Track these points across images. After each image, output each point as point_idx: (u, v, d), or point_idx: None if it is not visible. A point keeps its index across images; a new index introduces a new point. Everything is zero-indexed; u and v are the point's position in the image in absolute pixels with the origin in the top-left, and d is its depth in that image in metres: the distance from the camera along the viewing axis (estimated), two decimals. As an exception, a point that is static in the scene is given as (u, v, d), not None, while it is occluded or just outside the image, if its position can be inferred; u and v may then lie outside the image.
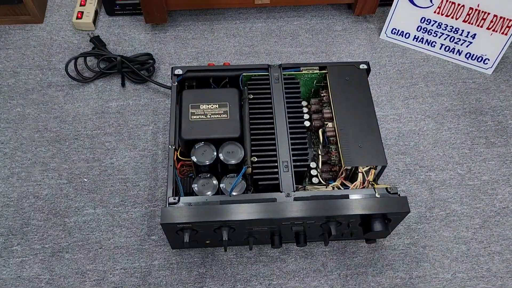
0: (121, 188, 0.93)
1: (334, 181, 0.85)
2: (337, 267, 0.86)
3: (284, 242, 0.87)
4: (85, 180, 0.92)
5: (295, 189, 0.77)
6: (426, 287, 0.84)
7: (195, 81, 0.92)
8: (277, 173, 0.79)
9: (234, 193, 0.79)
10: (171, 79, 0.89)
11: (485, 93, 1.08)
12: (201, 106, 0.87)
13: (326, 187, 0.82)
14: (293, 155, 0.81)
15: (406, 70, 1.11)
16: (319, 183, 0.83)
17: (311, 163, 0.87)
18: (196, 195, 0.80)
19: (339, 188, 0.81)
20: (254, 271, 0.85)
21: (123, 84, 1.05)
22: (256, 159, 0.80)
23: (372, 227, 0.76)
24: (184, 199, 0.76)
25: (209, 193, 0.79)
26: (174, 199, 0.75)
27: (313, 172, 0.84)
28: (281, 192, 0.77)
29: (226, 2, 1.10)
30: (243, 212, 0.73)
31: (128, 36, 1.14)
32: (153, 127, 1.01)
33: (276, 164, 0.80)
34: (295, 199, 0.76)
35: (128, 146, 0.98)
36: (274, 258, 0.87)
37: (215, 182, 0.80)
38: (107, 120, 1.01)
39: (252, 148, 0.82)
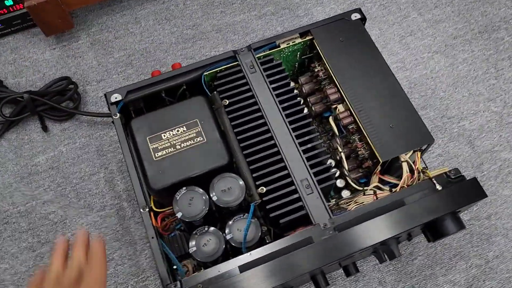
0: (92, 271, 0.68)
1: (367, 179, 0.64)
2: (398, 279, 0.67)
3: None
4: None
5: (331, 215, 0.55)
6: (509, 267, 0.67)
7: (142, 102, 0.66)
8: (299, 199, 0.57)
9: (248, 243, 0.56)
10: (110, 110, 0.62)
11: (489, 3, 0.88)
12: (163, 135, 0.62)
13: (364, 193, 0.60)
14: (312, 166, 0.58)
15: (390, 2, 0.89)
16: (353, 191, 0.62)
17: (329, 161, 0.65)
18: (200, 262, 0.57)
19: (380, 189, 0.60)
20: (300, 321, 0.65)
21: (44, 128, 0.78)
22: (264, 189, 0.57)
23: (443, 230, 0.56)
24: (189, 281, 0.52)
25: (215, 253, 0.56)
26: (175, 286, 0.52)
27: (339, 182, 0.62)
28: (314, 224, 0.55)
29: (144, -21, 0.82)
30: (278, 272, 0.51)
31: (29, 60, 0.84)
32: (104, 173, 0.75)
33: (294, 187, 0.57)
34: (337, 229, 0.54)
35: (80, 209, 0.72)
36: (319, 296, 0.66)
37: (217, 235, 0.57)
38: (40, 183, 0.74)
39: (254, 174, 0.58)
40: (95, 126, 0.78)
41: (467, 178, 0.57)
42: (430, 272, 0.67)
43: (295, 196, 0.57)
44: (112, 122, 0.62)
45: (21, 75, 0.82)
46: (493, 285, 0.66)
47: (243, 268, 0.52)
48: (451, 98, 0.79)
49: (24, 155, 0.76)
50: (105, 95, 0.63)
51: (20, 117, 0.76)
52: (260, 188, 0.57)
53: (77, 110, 0.78)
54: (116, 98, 0.63)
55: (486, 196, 0.55)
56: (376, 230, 0.53)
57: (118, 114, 0.62)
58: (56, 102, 0.76)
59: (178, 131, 0.62)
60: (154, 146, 0.61)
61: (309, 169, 0.58)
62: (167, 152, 0.61)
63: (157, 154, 0.61)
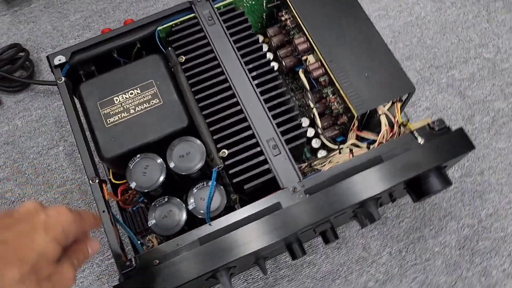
0: (53, 251, 0.63)
1: (344, 136, 0.58)
2: (384, 244, 0.62)
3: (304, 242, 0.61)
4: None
5: (301, 178, 0.50)
6: (504, 225, 0.62)
7: (93, 65, 0.59)
8: (265, 162, 0.51)
9: (213, 212, 0.51)
10: (54, 74, 0.56)
11: None
12: (115, 99, 0.56)
13: (340, 152, 0.55)
14: (279, 125, 0.52)
15: None
16: (329, 151, 0.56)
17: (301, 119, 0.59)
18: (160, 236, 0.52)
19: (357, 147, 0.55)
20: (279, 293, 0.60)
21: (-3, 101, 0.71)
22: (226, 153, 0.51)
23: (427, 188, 0.50)
24: (144, 256, 0.47)
25: (176, 226, 0.51)
26: (128, 262, 0.47)
27: (315, 143, 0.56)
28: (283, 188, 0.49)
29: None
30: (240, 244, 0.46)
31: (-22, 28, 0.77)
32: (64, 146, 0.69)
33: (260, 148, 0.51)
34: (307, 192, 0.49)
35: (39, 186, 0.66)
36: (298, 265, 0.61)
37: (179, 206, 0.52)
38: (-5, 160, 0.68)
39: (215, 137, 0.52)
40: (52, 96, 0.72)
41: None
42: (419, 234, 0.62)
43: (261, 158, 0.51)
44: (57, 86, 0.56)
45: (-31, 45, 0.76)
46: (487, 245, 0.61)
47: (204, 240, 0.47)
48: (439, 46, 0.72)
49: (-24, 131, 0.70)
50: (47, 57, 0.56)
51: (-32, 90, 0.70)
52: (221, 151, 0.51)
53: (31, 79, 0.72)
54: (60, 60, 0.56)
55: (473, 147, 0.49)
56: (350, 191, 0.48)
57: (63, 78, 0.56)
58: (7, 72, 0.70)
59: (131, 93, 0.56)
60: (105, 112, 0.55)
61: (275, 127, 0.52)
62: (120, 117, 0.55)
63: (109, 120, 0.55)
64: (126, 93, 0.56)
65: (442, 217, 0.63)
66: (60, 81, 0.56)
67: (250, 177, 0.50)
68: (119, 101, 0.56)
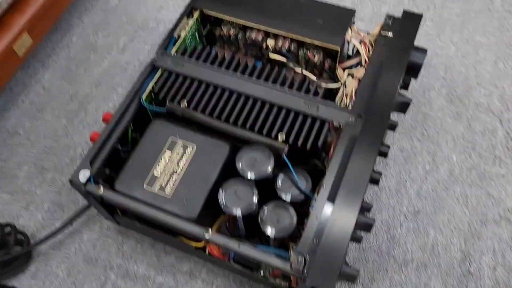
0: None
1: (332, 78, 0.67)
2: (408, 136, 0.72)
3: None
4: None
5: (348, 110, 0.57)
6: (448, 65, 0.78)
7: (107, 169, 0.58)
8: (316, 119, 0.57)
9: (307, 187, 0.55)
10: (87, 191, 0.54)
11: None
12: (155, 172, 0.56)
13: (346, 86, 0.63)
14: (298, 89, 0.59)
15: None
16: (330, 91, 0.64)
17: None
18: (287, 237, 0.53)
19: (353, 73, 0.64)
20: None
21: (13, 290, 0.62)
22: (283, 134, 0.56)
23: (419, 62, 0.62)
24: (302, 247, 0.49)
25: (293, 218, 0.53)
26: (298, 261, 0.48)
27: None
28: (343, 127, 0.56)
29: None
30: (359, 170, 0.51)
31: None
32: (114, 273, 0.63)
33: (302, 114, 0.57)
34: (359, 115, 0.56)
35: (123, 323, 0.60)
36: (376, 193, 0.68)
37: (279, 205, 0.54)
38: None
39: (263, 133, 0.57)
40: (62, 245, 0.66)
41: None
42: (421, 115, 0.74)
43: (310, 120, 0.57)
44: (99, 198, 0.53)
45: None
46: (461, 89, 0.76)
47: (332, 194, 0.50)
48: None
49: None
50: (70, 181, 0.54)
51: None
52: (279, 136, 0.56)
53: (30, 246, 0.65)
54: (85, 175, 0.54)
55: (422, 15, 0.63)
56: (386, 87, 0.57)
57: (101, 186, 0.54)
58: (6, 255, 0.62)
59: (165, 158, 0.57)
60: (157, 187, 0.55)
61: (298, 94, 0.58)
62: (174, 181, 0.55)
63: (167, 190, 0.55)
64: (161, 161, 0.56)
65: (421, 88, 0.76)
66: (101, 192, 0.53)
67: (315, 137, 0.56)
68: (160, 171, 0.56)
